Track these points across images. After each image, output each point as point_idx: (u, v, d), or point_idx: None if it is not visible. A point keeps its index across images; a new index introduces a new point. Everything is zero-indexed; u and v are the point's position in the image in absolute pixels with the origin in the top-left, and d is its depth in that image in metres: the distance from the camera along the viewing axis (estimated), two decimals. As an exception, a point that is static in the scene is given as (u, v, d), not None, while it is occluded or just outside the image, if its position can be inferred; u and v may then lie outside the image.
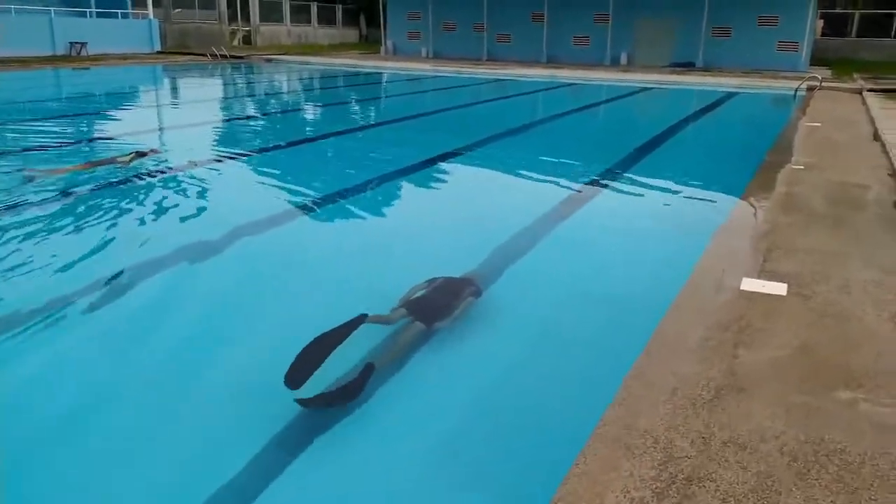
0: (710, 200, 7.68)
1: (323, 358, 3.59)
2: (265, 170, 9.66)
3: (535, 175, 9.60)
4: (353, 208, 7.64)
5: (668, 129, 13.06)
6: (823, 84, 19.37)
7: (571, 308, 4.89)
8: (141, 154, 9.29)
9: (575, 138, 13.03)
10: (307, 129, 14.50)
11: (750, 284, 4.57)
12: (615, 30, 30.01)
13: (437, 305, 4.34)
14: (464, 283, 4.66)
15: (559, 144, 12.27)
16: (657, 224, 6.86)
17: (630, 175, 9.18)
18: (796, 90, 18.80)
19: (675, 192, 8.32)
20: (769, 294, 4.42)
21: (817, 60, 28.10)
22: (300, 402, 3.33)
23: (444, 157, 10.36)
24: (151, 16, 33.42)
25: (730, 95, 19.54)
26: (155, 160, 9.29)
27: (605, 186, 8.62)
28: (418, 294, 4.47)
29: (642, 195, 8.26)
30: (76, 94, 20.09)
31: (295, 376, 3.46)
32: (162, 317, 4.60)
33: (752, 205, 6.77)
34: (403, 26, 36.46)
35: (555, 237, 6.46)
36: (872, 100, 16.28)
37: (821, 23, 32.12)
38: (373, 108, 18.35)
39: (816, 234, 5.69)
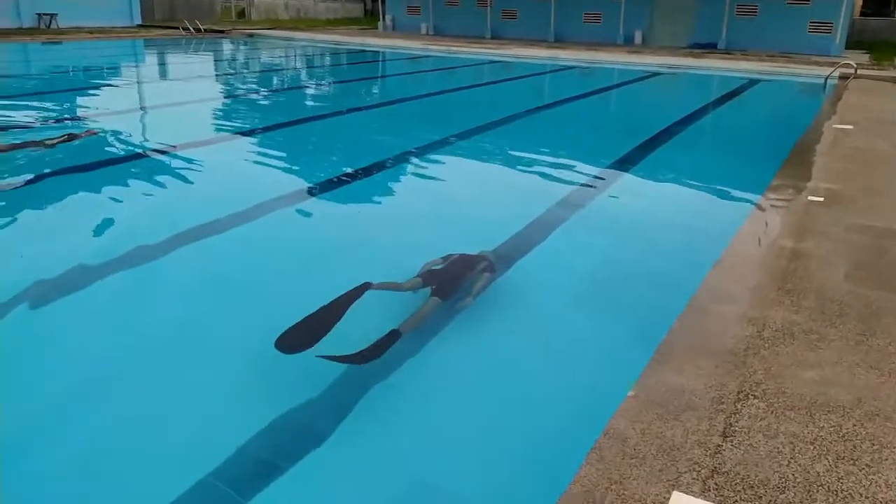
0: (673, 269, 5.12)
1: (325, 330, 3.61)
2: (202, 162, 8.25)
3: (482, 177, 7.32)
4: (318, 200, 6.88)
5: (659, 133, 10.51)
6: (859, 72, 16.59)
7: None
8: (74, 136, 8.76)
9: (551, 136, 10.60)
10: (264, 114, 12.49)
11: (682, 517, 2.24)
12: (629, 6, 27.20)
13: (452, 276, 4.33)
14: (478, 258, 4.62)
15: (531, 141, 9.84)
16: (577, 332, 4.43)
17: (576, 224, 6.80)
18: (826, 79, 16.08)
19: (625, 260, 5.48)
20: (714, 559, 2.09)
21: (854, 43, 25.11)
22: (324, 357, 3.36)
23: (411, 151, 9.14)
24: (132, -14, 31.24)
25: (749, 84, 16.85)
26: (86, 144, 8.70)
27: (530, 247, 6.24)
28: (434, 268, 4.45)
29: (571, 267, 5.84)
30: (23, 71, 18.15)
31: (289, 341, 3.49)
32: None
33: (733, 279, 4.35)
34: (403, 0, 33.87)
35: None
36: (918, 93, 13.56)
37: (860, 0, 28.92)
38: (338, 92, 16.02)
39: (833, 363, 3.30)
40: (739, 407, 2.88)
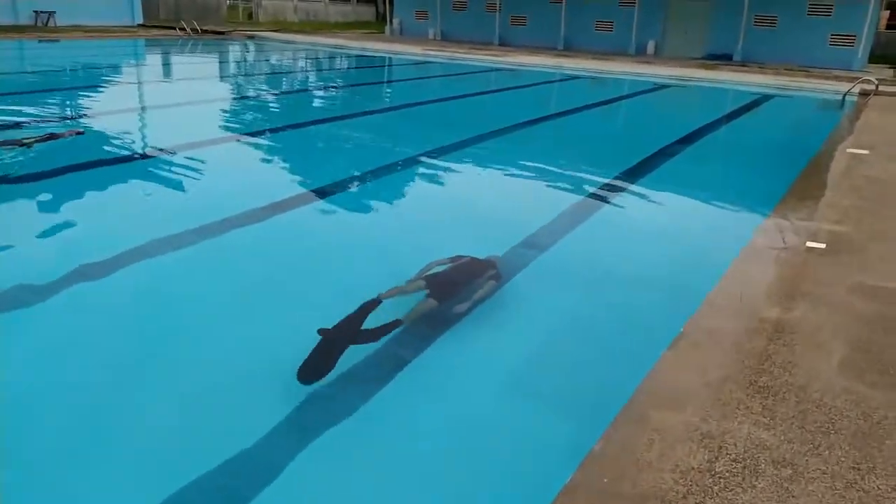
0: (627, 345, 4.07)
1: (342, 349, 3.57)
2: (188, 165, 7.81)
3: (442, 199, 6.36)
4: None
5: (654, 155, 9.45)
6: (881, 88, 15.43)
7: None
8: (56, 136, 8.45)
9: (535, 153, 9.61)
10: (251, 118, 11.83)
11: None
12: (642, 14, 26.18)
13: (454, 282, 4.25)
14: (485, 265, 4.50)
15: (515, 157, 8.88)
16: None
17: (535, 272, 5.81)
18: (845, 95, 14.96)
19: (578, 328, 4.38)
20: None
21: (878, 57, 23.88)
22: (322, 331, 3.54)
23: (395, 163, 8.76)
24: (134, -15, 30.70)
25: (762, 99, 15.75)
26: (70, 144, 8.38)
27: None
28: (438, 269, 4.38)
29: (515, 330, 4.87)
30: (11, 69, 17.56)
31: (311, 369, 3.41)
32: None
33: (691, 368, 3.34)
34: (411, 4, 33.09)
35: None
36: (945, 114, 12.42)
37: (886, 13, 27.62)
38: (328, 97, 15.14)
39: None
40: None
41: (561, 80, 18.95)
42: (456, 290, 4.20)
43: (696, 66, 20.91)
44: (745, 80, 18.13)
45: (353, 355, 3.64)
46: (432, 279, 4.24)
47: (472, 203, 7.16)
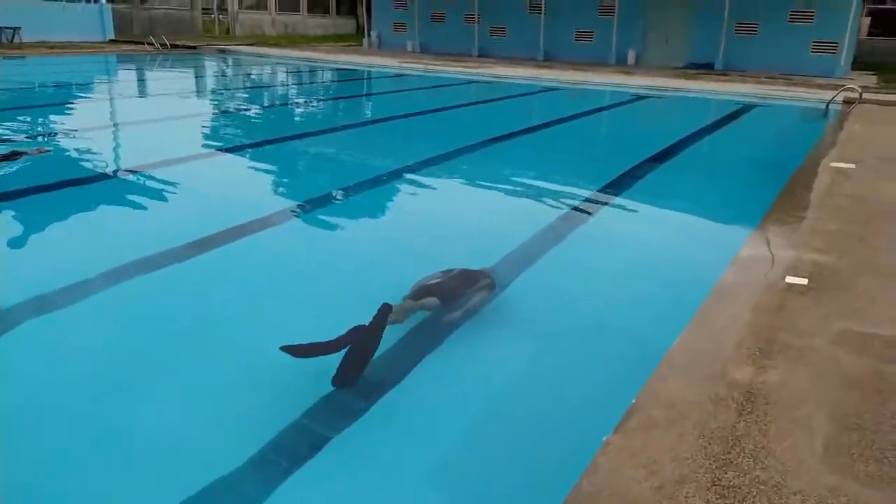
0: (571, 422, 3.46)
1: (370, 353, 3.54)
2: (152, 187, 7.52)
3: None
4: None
5: (621, 177, 8.81)
6: (865, 96, 14.94)
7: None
8: (19, 154, 8.27)
9: (489, 175, 8.97)
10: (215, 135, 11.33)
11: None
12: (622, 23, 25.78)
13: (452, 288, 4.22)
14: (479, 274, 4.51)
15: (471, 179, 8.27)
16: None
17: (481, 329, 5.15)
18: (828, 104, 14.47)
19: (517, 409, 3.80)
20: None
21: (860, 64, 23.53)
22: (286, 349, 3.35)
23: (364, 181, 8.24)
24: (104, 1, 29.99)
25: (743, 109, 15.21)
26: (34, 162, 8.17)
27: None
28: (432, 282, 4.29)
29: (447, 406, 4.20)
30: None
31: (344, 377, 3.41)
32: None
33: (635, 463, 2.68)
34: (389, 16, 32.60)
35: None
36: (932, 123, 11.90)
37: (867, 20, 27.33)
38: (291, 113, 14.48)
39: None
40: None
41: (539, 93, 18.37)
42: (455, 294, 4.15)
43: (675, 76, 20.44)
44: (726, 90, 17.64)
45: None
46: (426, 291, 4.13)
47: (444, 223, 6.61)
